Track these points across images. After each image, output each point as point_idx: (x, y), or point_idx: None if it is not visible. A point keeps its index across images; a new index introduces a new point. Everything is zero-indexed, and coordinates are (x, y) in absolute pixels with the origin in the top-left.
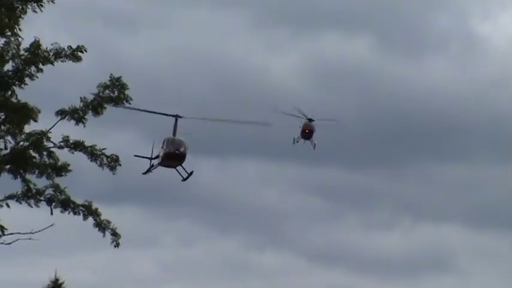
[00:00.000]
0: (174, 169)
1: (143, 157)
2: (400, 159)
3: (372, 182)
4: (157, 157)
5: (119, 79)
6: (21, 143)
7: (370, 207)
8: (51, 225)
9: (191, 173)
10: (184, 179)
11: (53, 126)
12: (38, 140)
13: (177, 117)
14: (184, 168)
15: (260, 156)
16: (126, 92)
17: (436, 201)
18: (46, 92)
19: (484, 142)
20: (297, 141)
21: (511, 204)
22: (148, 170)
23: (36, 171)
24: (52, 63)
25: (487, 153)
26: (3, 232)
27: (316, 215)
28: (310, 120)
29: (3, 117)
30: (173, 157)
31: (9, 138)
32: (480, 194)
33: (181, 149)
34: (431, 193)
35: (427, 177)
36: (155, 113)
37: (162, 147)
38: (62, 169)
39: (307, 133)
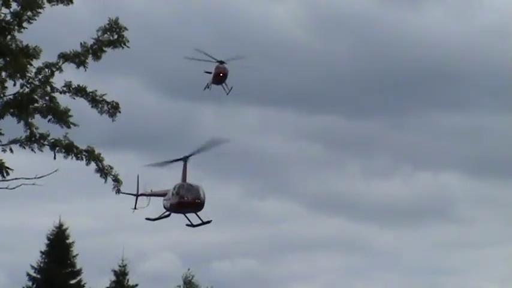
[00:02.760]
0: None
1: (129, 194)
2: (400, 108)
3: (372, 130)
4: (142, 194)
5: (116, 21)
6: (24, 87)
7: (371, 155)
8: (55, 170)
9: (208, 221)
10: (195, 225)
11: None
12: (42, 84)
13: (185, 160)
14: (198, 215)
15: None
16: (125, 33)
17: (436, 149)
18: (44, 37)
19: (483, 91)
20: (209, 87)
21: (509, 152)
22: (159, 218)
23: (39, 116)
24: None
25: (486, 102)
26: (7, 173)
27: (317, 163)
28: (222, 62)
29: (3, 62)
30: (192, 206)
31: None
32: (479, 142)
33: (201, 197)
34: (431, 141)
35: (426, 125)
36: (171, 161)
37: (174, 193)
38: (63, 114)
39: (221, 77)
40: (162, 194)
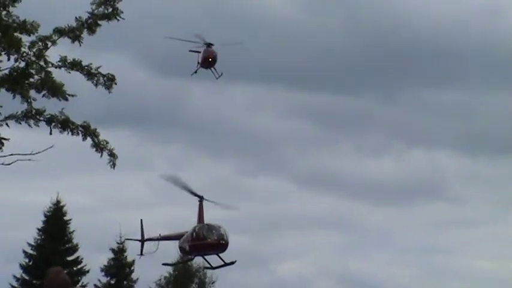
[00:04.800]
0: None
1: (134, 240)
2: (393, 84)
3: (364, 107)
4: (148, 239)
5: None
6: (19, 62)
7: (363, 133)
8: (51, 146)
9: (232, 262)
10: (216, 267)
11: (49, 45)
12: (37, 58)
13: (201, 199)
14: (220, 257)
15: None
16: (119, 4)
17: (428, 126)
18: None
19: (476, 68)
20: (196, 72)
21: (503, 130)
22: (178, 263)
23: (35, 91)
24: None
25: (478, 79)
26: (2, 144)
27: (309, 140)
28: (210, 45)
29: None
30: (216, 247)
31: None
32: (471, 120)
33: (225, 238)
34: (423, 118)
35: (419, 102)
36: (188, 191)
37: (195, 235)
38: (58, 89)
39: (210, 62)
40: (176, 237)
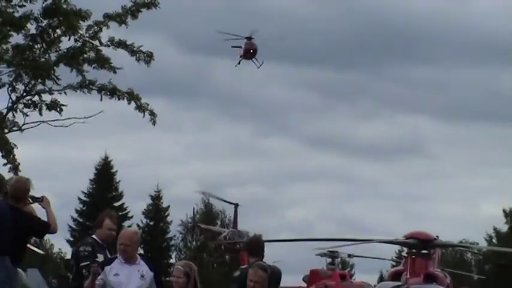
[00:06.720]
0: None
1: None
2: (382, 62)
3: (358, 81)
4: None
5: None
6: (76, 43)
7: (357, 102)
8: (101, 111)
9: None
10: None
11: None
12: (92, 38)
13: (236, 206)
14: None
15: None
16: None
17: (412, 97)
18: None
19: (453, 47)
20: (239, 63)
21: (476, 100)
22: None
23: (87, 65)
24: None
25: (455, 57)
26: (61, 109)
27: (313, 108)
28: (250, 38)
29: (57, 21)
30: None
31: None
32: (449, 92)
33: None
34: (408, 90)
35: (404, 76)
36: (223, 201)
37: (228, 239)
38: (106, 62)
39: (251, 53)
40: (217, 232)
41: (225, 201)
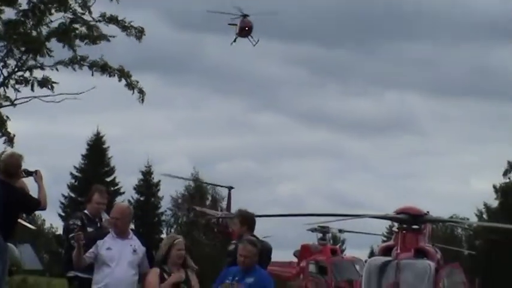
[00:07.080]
0: None
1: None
2: (372, 39)
3: (348, 58)
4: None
5: None
6: (66, 19)
7: (347, 78)
8: (93, 87)
9: None
10: None
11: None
12: (82, 8)
13: (230, 189)
14: None
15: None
16: None
17: (401, 73)
18: None
19: (442, 26)
20: (235, 41)
21: (464, 76)
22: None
23: (78, 41)
24: None
25: (444, 34)
26: (52, 87)
27: (303, 84)
28: (246, 16)
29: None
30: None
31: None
32: (440, 69)
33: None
34: (397, 67)
35: (393, 54)
36: (217, 185)
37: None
38: (99, 38)
39: (247, 30)
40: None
41: (218, 185)
